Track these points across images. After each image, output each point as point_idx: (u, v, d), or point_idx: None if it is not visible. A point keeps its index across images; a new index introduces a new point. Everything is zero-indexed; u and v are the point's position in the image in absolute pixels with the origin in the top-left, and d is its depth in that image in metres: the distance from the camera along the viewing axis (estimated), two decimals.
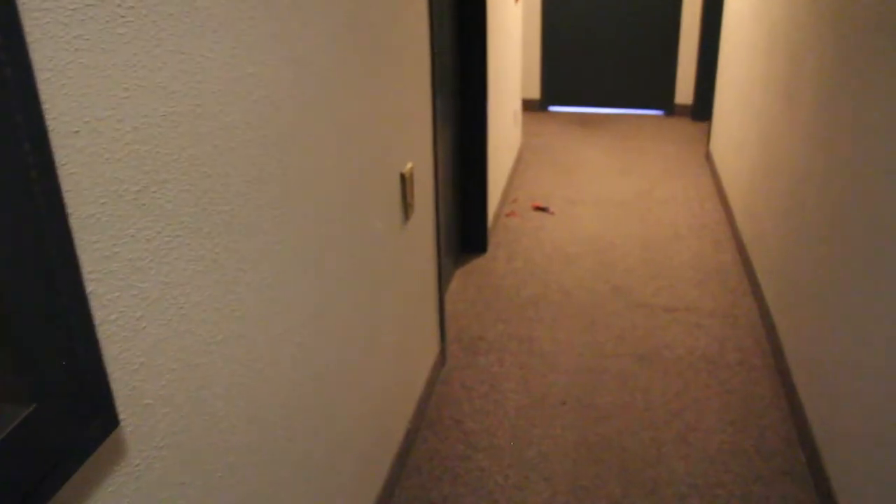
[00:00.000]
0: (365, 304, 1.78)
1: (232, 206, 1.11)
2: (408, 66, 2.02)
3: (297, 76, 1.30)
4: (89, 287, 0.82)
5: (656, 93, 6.23)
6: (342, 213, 1.58)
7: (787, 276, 2.66)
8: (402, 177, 2.03)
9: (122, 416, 0.90)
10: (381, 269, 1.90)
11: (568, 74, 6.31)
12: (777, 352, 2.70)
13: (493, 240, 3.80)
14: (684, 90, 6.13)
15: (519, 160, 5.01)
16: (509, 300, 3.19)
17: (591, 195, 4.42)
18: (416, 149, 2.17)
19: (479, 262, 3.55)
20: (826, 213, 2.21)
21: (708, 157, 5.01)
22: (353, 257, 1.67)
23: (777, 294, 2.80)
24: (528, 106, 6.43)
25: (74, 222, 0.79)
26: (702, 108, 6.03)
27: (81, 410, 0.80)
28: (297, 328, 1.38)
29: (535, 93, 6.39)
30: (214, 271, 1.08)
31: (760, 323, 2.99)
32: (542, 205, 4.25)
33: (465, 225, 3.60)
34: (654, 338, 2.90)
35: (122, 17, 0.84)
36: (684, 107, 6.17)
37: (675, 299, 3.19)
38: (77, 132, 0.78)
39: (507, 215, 4.13)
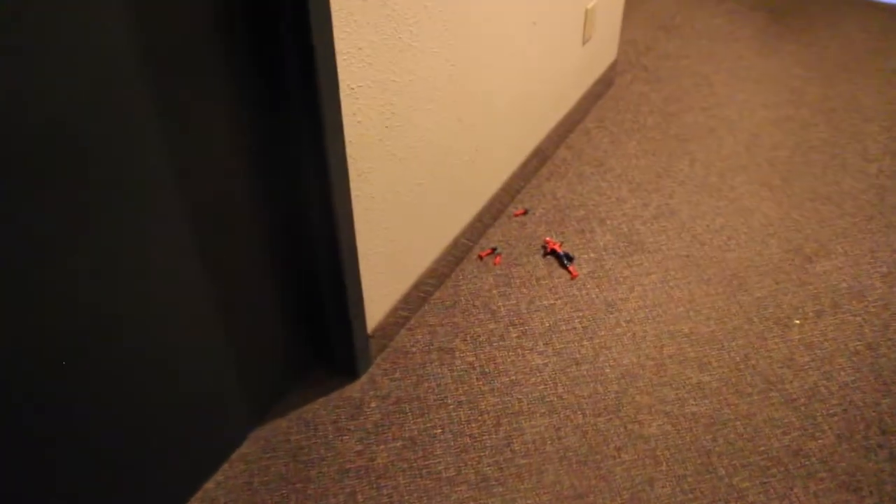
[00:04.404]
0: None
1: None
2: None
3: None
4: None
5: None
6: None
7: None
8: None
9: None
10: None
11: None
12: None
13: (416, 328, 1.78)
14: None
15: (592, 97, 2.64)
16: None
17: (681, 231, 2.13)
18: None
19: (316, 411, 1.61)
20: None
21: None
22: None
23: None
24: None
25: None
26: None
27: None
28: None
29: None
30: None
31: None
32: (562, 248, 2.08)
33: (317, 315, 1.64)
34: None
35: None
36: None
37: None
38: None
39: (482, 256, 2.04)
